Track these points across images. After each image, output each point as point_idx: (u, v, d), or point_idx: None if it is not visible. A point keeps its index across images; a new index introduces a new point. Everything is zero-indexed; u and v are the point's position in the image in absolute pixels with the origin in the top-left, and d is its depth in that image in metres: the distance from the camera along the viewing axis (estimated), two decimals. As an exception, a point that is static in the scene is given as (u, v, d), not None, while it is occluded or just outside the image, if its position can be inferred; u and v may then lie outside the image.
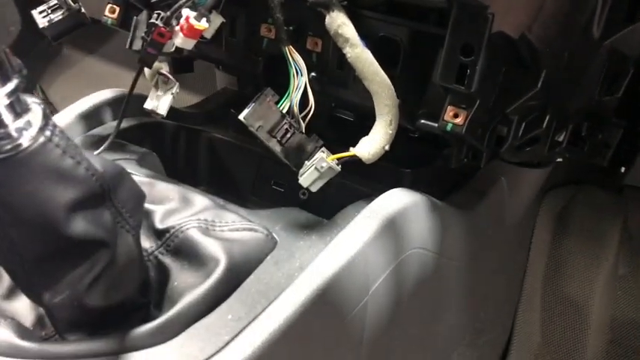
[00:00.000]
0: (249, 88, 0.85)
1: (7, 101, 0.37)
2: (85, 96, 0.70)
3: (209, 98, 0.87)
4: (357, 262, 0.51)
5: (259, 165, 0.76)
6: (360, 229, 0.54)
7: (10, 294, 0.49)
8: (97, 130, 0.68)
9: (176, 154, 0.76)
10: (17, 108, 0.38)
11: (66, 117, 0.65)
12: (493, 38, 0.52)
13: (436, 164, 0.73)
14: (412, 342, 0.66)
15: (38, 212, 0.39)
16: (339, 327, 0.51)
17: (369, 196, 0.62)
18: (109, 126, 0.69)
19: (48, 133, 0.39)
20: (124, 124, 0.68)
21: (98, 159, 0.44)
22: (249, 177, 0.77)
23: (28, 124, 0.39)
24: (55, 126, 0.40)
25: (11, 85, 0.36)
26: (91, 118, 0.67)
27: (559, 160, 0.80)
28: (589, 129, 0.75)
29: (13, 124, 0.38)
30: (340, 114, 0.78)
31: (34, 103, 0.40)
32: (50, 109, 1.39)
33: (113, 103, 0.69)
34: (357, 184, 0.69)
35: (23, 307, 0.48)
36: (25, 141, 0.38)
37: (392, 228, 0.56)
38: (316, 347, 0.50)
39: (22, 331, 0.44)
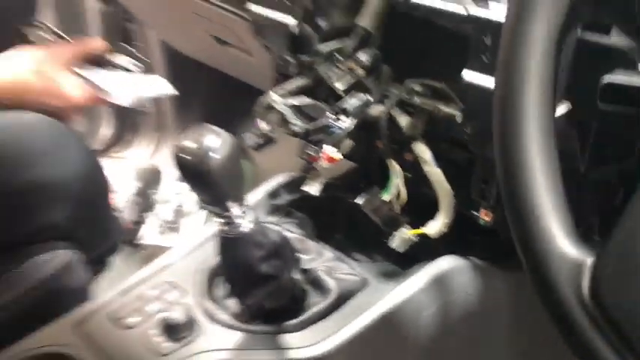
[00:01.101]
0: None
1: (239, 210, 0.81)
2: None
3: (346, 173, 1.27)
4: (411, 302, 0.89)
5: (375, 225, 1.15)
6: (417, 281, 0.91)
7: (228, 295, 0.94)
8: (276, 201, 1.12)
9: (323, 215, 1.18)
10: (238, 208, 0.81)
11: (258, 194, 1.11)
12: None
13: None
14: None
15: (244, 263, 0.82)
16: (395, 342, 0.89)
17: (441, 254, 0.98)
18: (284, 199, 1.13)
19: (253, 218, 0.83)
20: (291, 197, 1.12)
21: (275, 232, 0.87)
22: (370, 231, 1.17)
23: (243, 213, 0.83)
24: (255, 214, 0.84)
25: (240, 208, 0.80)
26: (273, 195, 1.12)
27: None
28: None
29: (236, 216, 0.82)
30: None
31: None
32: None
33: (285, 186, 1.13)
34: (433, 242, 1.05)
35: (234, 304, 0.92)
36: (245, 227, 0.82)
37: (441, 283, 0.93)
38: (379, 349, 0.89)
39: (235, 316, 0.89)
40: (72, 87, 0.91)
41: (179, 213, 1.82)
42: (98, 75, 0.98)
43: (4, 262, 0.95)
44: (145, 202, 1.80)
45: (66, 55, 0.92)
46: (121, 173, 1.83)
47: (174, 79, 1.97)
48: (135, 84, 0.99)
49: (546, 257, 0.46)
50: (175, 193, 1.90)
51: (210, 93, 2.01)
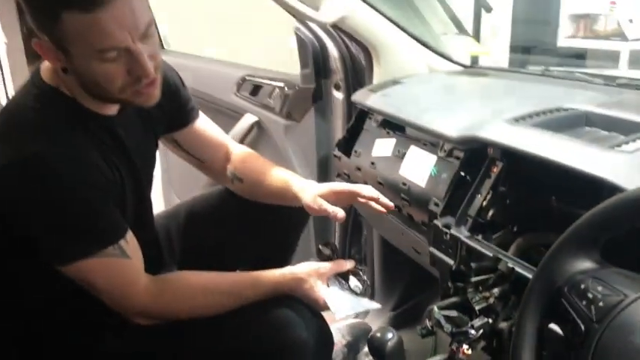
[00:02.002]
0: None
1: None
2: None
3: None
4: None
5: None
6: None
7: None
8: None
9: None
10: None
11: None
12: None
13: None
14: None
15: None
16: None
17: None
18: None
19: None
20: None
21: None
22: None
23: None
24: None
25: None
26: None
27: None
28: None
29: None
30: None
31: None
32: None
33: None
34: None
35: None
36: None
37: None
38: None
39: None
40: (321, 297, 1.62)
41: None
42: (334, 293, 1.66)
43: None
44: (351, 353, 2.44)
45: (328, 273, 1.65)
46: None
47: (383, 261, 2.72)
48: (353, 302, 1.66)
49: None
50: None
51: (409, 273, 2.68)
